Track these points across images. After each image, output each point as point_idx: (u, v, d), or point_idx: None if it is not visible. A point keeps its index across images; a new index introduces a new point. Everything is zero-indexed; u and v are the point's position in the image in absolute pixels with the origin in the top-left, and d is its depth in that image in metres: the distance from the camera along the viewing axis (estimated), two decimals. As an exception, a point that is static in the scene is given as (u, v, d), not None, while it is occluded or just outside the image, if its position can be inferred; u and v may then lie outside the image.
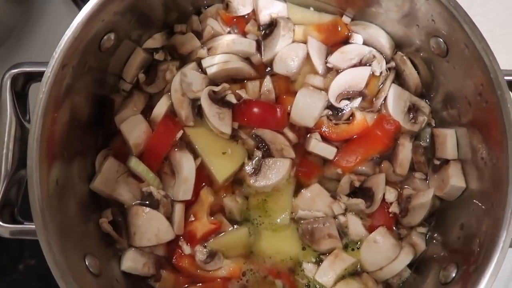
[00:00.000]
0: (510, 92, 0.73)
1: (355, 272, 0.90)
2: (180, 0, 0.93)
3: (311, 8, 0.98)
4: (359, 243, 0.90)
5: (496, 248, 0.67)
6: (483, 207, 0.76)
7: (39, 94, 0.71)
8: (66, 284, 0.69)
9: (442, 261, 0.82)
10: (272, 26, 0.95)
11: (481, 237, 0.73)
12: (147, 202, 0.89)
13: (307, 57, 0.94)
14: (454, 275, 0.75)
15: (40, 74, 0.73)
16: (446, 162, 0.87)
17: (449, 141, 0.86)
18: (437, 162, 0.90)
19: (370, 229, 0.90)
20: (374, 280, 0.89)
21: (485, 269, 0.67)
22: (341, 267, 0.87)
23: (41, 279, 1.17)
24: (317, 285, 0.89)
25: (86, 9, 0.73)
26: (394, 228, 0.91)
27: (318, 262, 0.90)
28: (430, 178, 0.91)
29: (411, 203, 0.89)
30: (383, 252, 0.87)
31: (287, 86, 0.96)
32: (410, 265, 0.89)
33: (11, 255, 1.17)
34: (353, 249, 0.90)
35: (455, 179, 0.83)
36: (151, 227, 0.87)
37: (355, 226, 0.90)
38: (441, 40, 0.80)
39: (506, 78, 0.72)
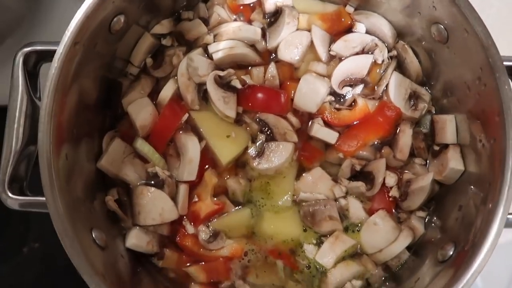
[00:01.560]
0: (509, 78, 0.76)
1: (355, 254, 0.92)
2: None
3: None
4: (359, 225, 0.92)
5: (493, 226, 0.69)
6: (480, 188, 0.78)
7: (51, 70, 0.73)
8: (74, 253, 0.71)
9: (440, 242, 0.83)
10: (277, 14, 0.98)
11: (478, 216, 0.75)
12: (152, 182, 0.91)
13: (311, 45, 0.97)
14: (451, 253, 0.77)
15: (51, 54, 0.75)
16: (445, 147, 0.89)
17: (448, 126, 0.88)
18: (436, 148, 0.92)
19: (370, 212, 0.92)
20: (373, 262, 0.91)
21: (481, 247, 0.69)
22: (341, 249, 0.89)
23: (45, 262, 1.18)
24: (317, 266, 0.91)
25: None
26: (394, 211, 0.93)
27: (319, 244, 0.91)
28: (430, 163, 0.93)
29: (410, 187, 0.91)
30: (383, 235, 0.89)
31: (291, 73, 0.98)
32: (409, 248, 0.91)
33: (16, 238, 1.19)
34: (353, 231, 0.92)
35: (454, 162, 0.85)
36: (155, 206, 0.89)
37: (356, 209, 0.92)
38: (442, 26, 0.82)
39: (505, 63, 0.74)
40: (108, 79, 0.93)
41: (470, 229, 0.75)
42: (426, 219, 0.93)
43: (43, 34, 1.19)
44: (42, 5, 1.21)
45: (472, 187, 0.82)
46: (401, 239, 0.89)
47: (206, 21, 0.99)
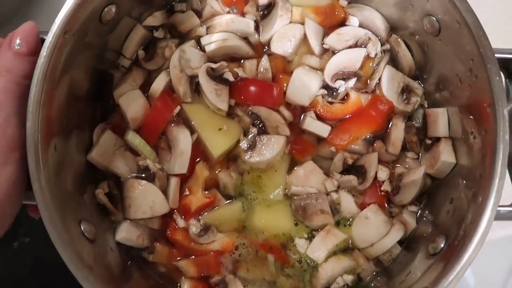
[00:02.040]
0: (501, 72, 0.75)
1: (346, 249, 0.91)
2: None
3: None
4: (351, 219, 0.91)
5: (483, 218, 0.69)
6: (471, 181, 0.77)
7: (39, 59, 0.72)
8: (62, 245, 0.70)
9: (431, 236, 0.83)
10: (270, 6, 0.97)
11: (469, 209, 0.75)
12: (143, 175, 0.90)
13: (304, 38, 0.96)
14: (442, 246, 0.76)
15: (42, 42, 0.74)
16: (437, 140, 0.89)
17: (440, 119, 0.88)
18: (428, 142, 0.91)
19: (362, 206, 0.92)
20: (365, 257, 0.90)
21: (472, 239, 0.69)
22: (333, 243, 0.88)
23: (36, 257, 1.18)
24: (308, 261, 0.90)
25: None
26: (386, 206, 0.92)
27: (310, 238, 0.91)
28: (422, 157, 0.93)
29: (402, 181, 0.90)
30: (374, 229, 0.89)
31: (284, 66, 0.97)
32: (400, 243, 0.91)
33: (6, 233, 1.18)
34: (345, 225, 0.92)
35: (445, 155, 0.85)
36: (146, 199, 0.88)
37: (347, 203, 0.91)
38: (434, 18, 0.82)
39: (496, 55, 0.74)
40: (99, 70, 0.92)
41: (461, 222, 0.75)
42: (418, 214, 0.92)
43: (39, 23, 1.19)
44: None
45: (463, 180, 0.81)
46: (392, 233, 0.88)
47: (199, 13, 0.98)
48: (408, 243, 0.91)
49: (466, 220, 0.74)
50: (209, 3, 0.98)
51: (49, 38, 0.73)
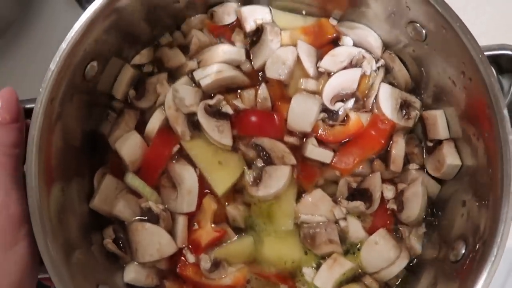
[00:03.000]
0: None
1: (356, 277, 0.90)
2: (161, 16, 0.93)
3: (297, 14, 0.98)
4: (359, 244, 0.91)
5: (500, 221, 0.68)
6: (480, 180, 0.77)
7: (30, 131, 0.71)
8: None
9: (450, 243, 0.82)
10: (258, 32, 0.96)
11: (482, 212, 0.74)
12: (147, 217, 0.89)
13: (298, 61, 0.95)
14: (463, 251, 0.76)
15: (28, 111, 0.73)
16: (439, 142, 0.89)
17: (439, 121, 0.87)
18: (430, 144, 0.91)
19: (371, 230, 0.91)
20: (376, 282, 0.89)
21: (492, 242, 0.68)
22: (339, 272, 0.87)
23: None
24: (319, 292, 0.89)
25: (68, 40, 0.73)
26: (394, 226, 0.92)
27: (318, 267, 0.90)
28: (426, 161, 0.92)
29: (404, 195, 0.89)
30: (384, 254, 0.88)
31: (282, 92, 0.96)
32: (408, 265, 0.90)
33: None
34: (353, 253, 0.91)
35: (450, 158, 0.85)
36: (152, 242, 0.87)
37: (355, 229, 0.90)
38: (418, 25, 0.81)
39: (486, 53, 0.74)
40: (89, 131, 0.91)
41: (478, 224, 0.74)
42: (425, 237, 0.91)
43: (33, 39, 1.23)
44: (31, 10, 1.25)
45: (472, 180, 0.81)
46: (401, 258, 0.88)
47: (186, 47, 0.97)
48: (416, 265, 0.91)
49: (481, 224, 0.73)
50: (194, 34, 0.96)
51: (36, 109, 0.71)
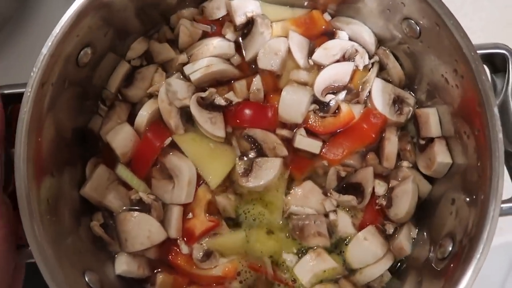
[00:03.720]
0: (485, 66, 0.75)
1: (335, 280, 0.90)
2: (150, 12, 0.93)
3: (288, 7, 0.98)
4: (347, 239, 0.91)
5: (487, 217, 0.68)
6: (470, 178, 0.77)
7: (20, 114, 0.71)
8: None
9: (437, 240, 0.82)
10: (249, 25, 0.96)
11: (471, 208, 0.74)
12: (138, 208, 0.89)
13: (290, 52, 0.95)
14: (450, 248, 0.76)
15: (20, 96, 0.72)
16: (431, 140, 0.89)
17: (431, 119, 0.87)
18: (422, 142, 0.91)
19: (361, 226, 0.91)
20: (352, 285, 0.89)
21: (479, 239, 0.68)
22: (320, 267, 0.88)
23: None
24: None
25: (61, 25, 0.73)
26: (383, 222, 0.92)
27: (299, 254, 0.91)
28: (417, 158, 0.92)
29: (394, 191, 0.90)
30: (371, 250, 0.88)
31: (274, 83, 0.96)
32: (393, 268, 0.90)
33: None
34: (339, 253, 0.91)
35: (441, 155, 0.85)
36: (142, 230, 0.87)
37: (344, 224, 0.91)
38: (413, 21, 0.82)
39: (479, 52, 0.74)
40: (80, 127, 0.91)
41: (466, 223, 0.74)
42: (415, 237, 0.91)
43: (30, 35, 1.23)
44: (28, 7, 1.24)
45: (461, 178, 0.81)
46: (383, 260, 0.88)
47: (175, 41, 0.97)
48: (399, 268, 0.91)
49: (469, 221, 0.73)
50: (182, 23, 0.95)
51: (27, 93, 0.71)
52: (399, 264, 0.92)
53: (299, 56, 0.95)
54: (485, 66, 0.74)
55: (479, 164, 0.74)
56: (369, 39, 0.94)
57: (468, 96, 0.74)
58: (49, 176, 0.78)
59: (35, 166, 0.72)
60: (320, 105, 0.94)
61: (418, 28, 0.81)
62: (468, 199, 0.77)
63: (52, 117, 0.78)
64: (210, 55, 0.93)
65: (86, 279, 0.77)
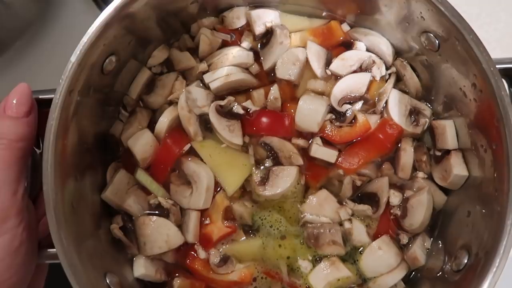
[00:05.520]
0: (503, 80, 0.76)
1: None
2: (171, 21, 0.96)
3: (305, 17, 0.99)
4: (361, 248, 0.92)
5: (504, 230, 0.69)
6: (486, 192, 0.78)
7: (49, 121, 0.73)
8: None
9: (451, 253, 0.83)
10: (268, 34, 0.98)
11: (487, 222, 0.75)
12: (157, 212, 0.91)
13: (307, 62, 0.96)
14: (466, 261, 0.76)
15: (44, 101, 0.75)
16: (447, 152, 0.89)
17: (448, 131, 0.88)
18: (438, 153, 0.92)
19: (375, 235, 0.92)
20: None
21: (495, 252, 0.69)
22: (334, 276, 0.89)
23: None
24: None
25: (88, 34, 0.75)
26: (397, 231, 0.92)
27: (313, 261, 0.92)
28: (433, 169, 0.93)
29: (409, 202, 0.90)
30: (385, 259, 0.89)
31: (291, 92, 0.98)
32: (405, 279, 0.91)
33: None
34: (353, 262, 0.92)
35: (457, 168, 0.85)
36: (160, 234, 0.89)
37: (359, 233, 0.91)
38: (432, 35, 0.82)
39: (498, 66, 0.74)
40: (102, 133, 0.94)
41: (481, 234, 0.75)
42: (429, 247, 0.91)
43: (51, 37, 1.25)
44: (49, 11, 1.27)
45: (478, 191, 0.82)
46: (397, 270, 0.89)
47: (195, 50, 0.99)
48: (415, 277, 0.91)
49: (485, 233, 0.74)
50: (203, 32, 0.97)
51: (55, 100, 0.73)
52: (413, 273, 0.93)
53: (317, 66, 0.96)
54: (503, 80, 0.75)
55: (495, 176, 0.74)
56: (387, 50, 0.95)
57: (486, 110, 0.75)
58: (73, 180, 0.80)
59: (61, 170, 0.75)
60: (337, 115, 0.95)
61: (437, 41, 0.82)
62: (484, 210, 0.77)
63: (76, 123, 0.81)
64: (230, 64, 0.95)
65: (108, 281, 0.79)
